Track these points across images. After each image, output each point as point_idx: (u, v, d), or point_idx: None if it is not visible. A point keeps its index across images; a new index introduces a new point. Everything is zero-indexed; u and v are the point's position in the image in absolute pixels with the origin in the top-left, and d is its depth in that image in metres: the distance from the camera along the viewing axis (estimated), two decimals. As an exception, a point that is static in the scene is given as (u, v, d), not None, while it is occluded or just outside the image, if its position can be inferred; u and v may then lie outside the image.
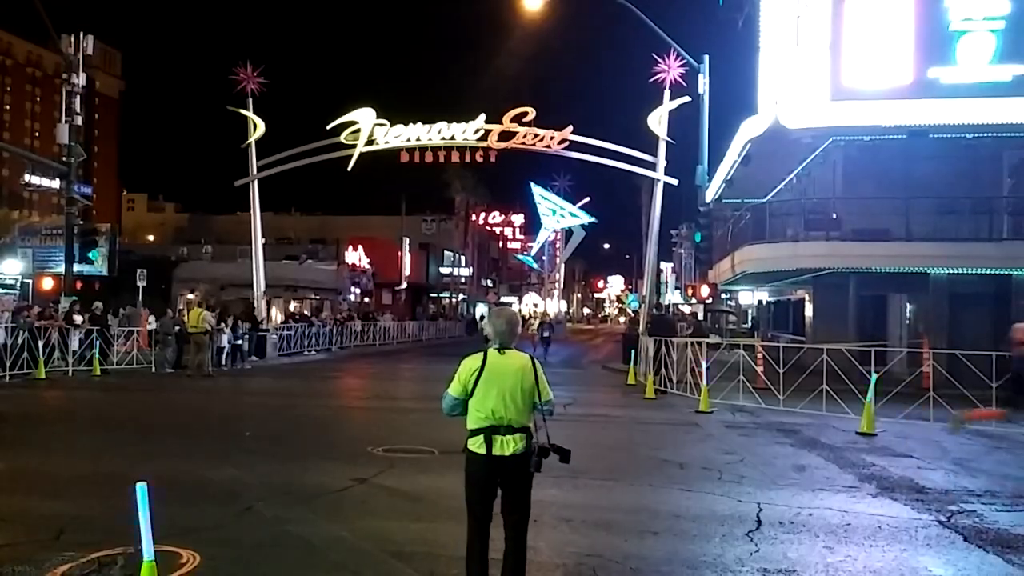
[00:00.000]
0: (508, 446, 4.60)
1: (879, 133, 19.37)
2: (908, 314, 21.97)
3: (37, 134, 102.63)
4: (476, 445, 4.65)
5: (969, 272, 19.47)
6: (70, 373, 18.80)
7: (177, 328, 21.15)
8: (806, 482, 8.65)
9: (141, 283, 28.13)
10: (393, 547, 5.99)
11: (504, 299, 78.60)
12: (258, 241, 27.20)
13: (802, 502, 7.65)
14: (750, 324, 39.73)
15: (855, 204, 20.60)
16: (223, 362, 21.92)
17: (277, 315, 35.11)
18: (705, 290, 26.51)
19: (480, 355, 4.74)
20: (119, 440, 10.64)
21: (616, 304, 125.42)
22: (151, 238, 71.22)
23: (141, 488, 4.04)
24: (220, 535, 6.26)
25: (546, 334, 28.65)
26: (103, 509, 6.85)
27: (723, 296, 41.31)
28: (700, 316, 26.62)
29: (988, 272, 19.44)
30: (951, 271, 19.68)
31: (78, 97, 23.05)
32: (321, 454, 9.83)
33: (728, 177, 25.87)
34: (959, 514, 7.31)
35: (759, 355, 17.88)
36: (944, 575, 5.65)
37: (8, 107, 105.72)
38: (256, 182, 26.70)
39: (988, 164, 20.09)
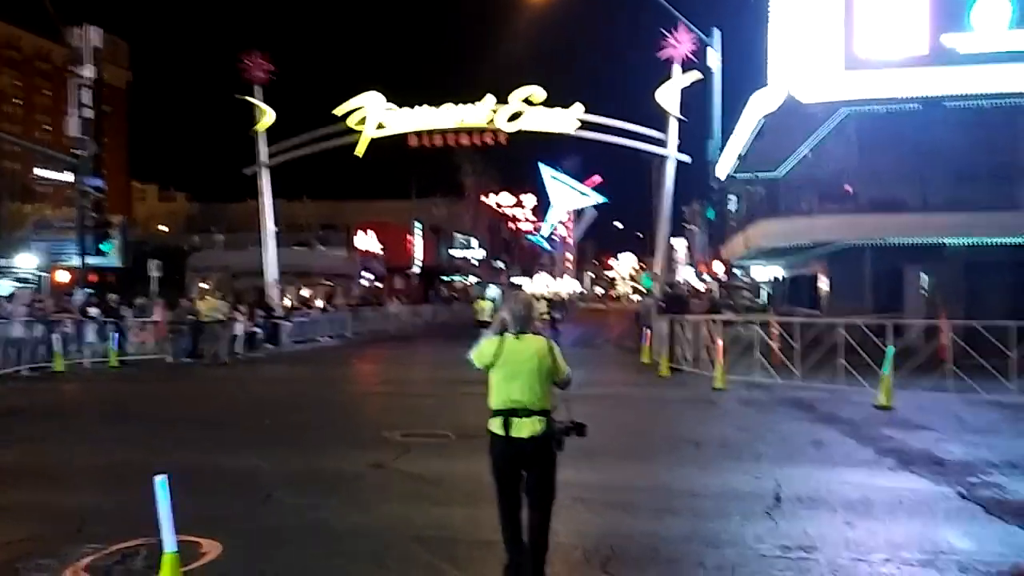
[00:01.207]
0: (524, 428, 4.65)
1: (894, 103, 19.08)
2: (925, 285, 21.77)
3: (48, 127, 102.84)
4: (495, 426, 4.73)
5: (986, 242, 19.24)
6: (87, 365, 18.95)
7: (191, 317, 21.25)
8: (824, 457, 8.61)
9: (154, 274, 28.27)
10: (413, 531, 6.01)
11: (516, 280, 78.67)
12: (269, 229, 27.24)
13: (820, 478, 7.62)
14: (765, 299, 39.50)
15: (870, 176, 20.35)
16: (238, 350, 22.03)
17: (289, 302, 35.19)
18: (718, 266, 26.35)
19: (498, 339, 4.79)
20: (137, 431, 10.71)
21: (629, 281, 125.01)
22: (163, 228, 71.49)
23: (161, 481, 4.06)
24: (240, 524, 6.30)
25: (557, 315, 28.00)
26: (124, 500, 6.89)
27: (737, 272, 41.09)
28: (715, 293, 26.51)
29: (1006, 242, 19.21)
30: (968, 241, 19.45)
31: (87, 90, 23.11)
32: (339, 440, 9.88)
33: (741, 152, 25.61)
34: (979, 486, 7.25)
35: (774, 331, 17.80)
36: (965, 548, 5.60)
37: (17, 100, 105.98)
38: (266, 170, 26.70)
39: (1005, 132, 19.76)
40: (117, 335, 19.76)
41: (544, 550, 4.75)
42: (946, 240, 19.50)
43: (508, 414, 4.67)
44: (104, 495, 7.29)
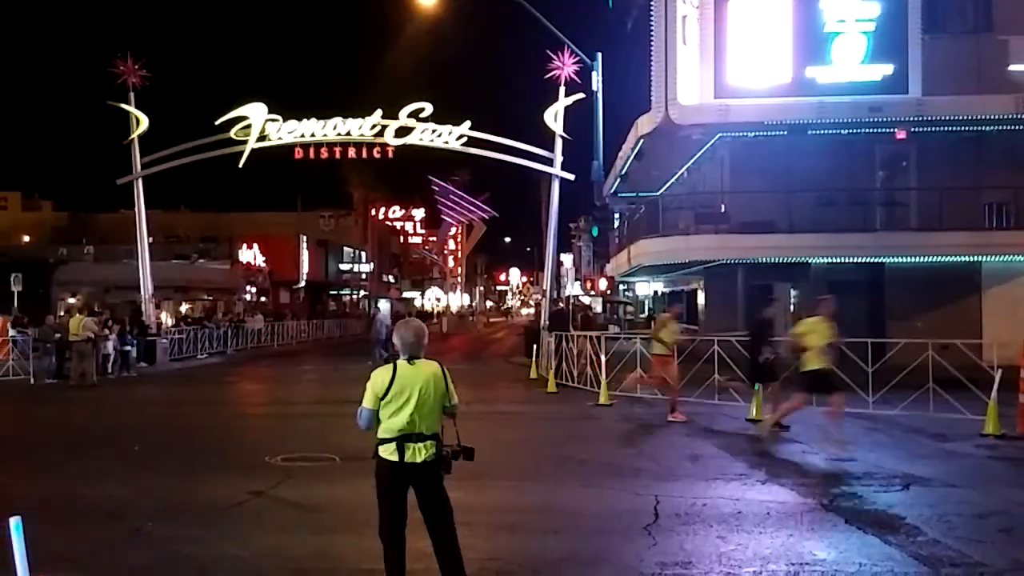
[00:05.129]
0: (420, 453, 4.73)
1: (762, 129, 20.22)
2: (792, 301, 23.06)
3: None
4: (388, 452, 4.75)
5: (846, 261, 20.60)
6: (-64, 389, 17.49)
7: (58, 336, 19.98)
8: (700, 472, 8.97)
9: (16, 288, 26.40)
10: (292, 564, 5.87)
11: (406, 294, 78.01)
12: (144, 242, 25.98)
13: (697, 492, 7.93)
14: (647, 314, 40.76)
15: (742, 198, 21.46)
16: (109, 370, 20.85)
17: (168, 318, 33.60)
18: (603, 283, 27.03)
19: (390, 367, 4.83)
20: (-7, 461, 9.97)
21: (519, 295, 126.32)
22: (27, 239, 66.91)
23: (16, 524, 3.80)
24: (105, 560, 5.99)
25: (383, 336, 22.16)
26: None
27: (621, 287, 42.25)
28: (599, 308, 27.15)
29: (863, 260, 20.62)
30: (830, 260, 20.77)
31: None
32: (215, 466, 9.50)
33: (623, 172, 26.46)
34: (840, 497, 7.73)
35: (655, 346, 18.36)
36: (827, 558, 5.95)
37: None
38: (140, 180, 25.50)
39: (862, 158, 21.29)
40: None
41: (462, 569, 4.84)
42: (810, 259, 20.75)
43: (402, 439, 4.70)
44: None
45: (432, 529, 4.82)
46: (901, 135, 20.10)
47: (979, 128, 19.99)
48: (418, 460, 4.70)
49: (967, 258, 20.16)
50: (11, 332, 21.52)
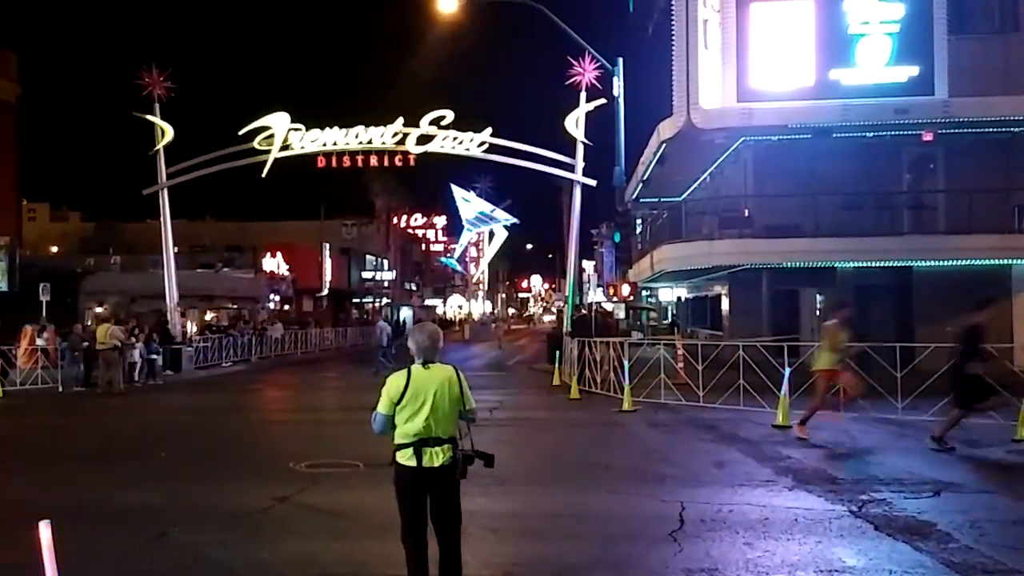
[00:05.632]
0: (437, 457, 4.70)
1: (785, 133, 20.05)
2: (818, 306, 22.81)
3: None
4: (405, 458, 4.72)
5: (873, 265, 20.34)
6: (-32, 397, 17.76)
7: (85, 344, 20.23)
8: (726, 478, 8.86)
9: (45, 298, 26.79)
10: (316, 569, 5.88)
11: (428, 302, 78.28)
12: (170, 251, 26.27)
13: (723, 498, 7.84)
14: (670, 320, 40.54)
15: (766, 202, 21.27)
16: (135, 378, 21.08)
17: (192, 326, 33.89)
18: (626, 288, 26.86)
19: (404, 372, 4.81)
20: (24, 467, 10.11)
21: (541, 302, 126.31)
22: (55, 249, 67.96)
23: (44, 528, 3.83)
24: (131, 565, 6.03)
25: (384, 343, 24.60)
26: (7, 542, 6.48)
27: (644, 293, 42.04)
28: (622, 314, 26.99)
29: (891, 264, 20.35)
30: (857, 264, 20.51)
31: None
32: (240, 473, 9.56)
33: (645, 177, 26.35)
34: (870, 503, 7.60)
35: (679, 352, 18.28)
36: (857, 565, 5.86)
37: None
38: (166, 190, 25.80)
39: (888, 161, 21.03)
40: (2, 364, 18.61)
41: (460, 568, 4.82)
42: (836, 263, 20.51)
43: (420, 444, 4.69)
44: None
45: (439, 533, 4.80)
46: (928, 137, 19.83)
47: (1008, 129, 19.68)
48: (436, 464, 4.69)
49: (997, 261, 19.82)
50: (39, 341, 21.79)
